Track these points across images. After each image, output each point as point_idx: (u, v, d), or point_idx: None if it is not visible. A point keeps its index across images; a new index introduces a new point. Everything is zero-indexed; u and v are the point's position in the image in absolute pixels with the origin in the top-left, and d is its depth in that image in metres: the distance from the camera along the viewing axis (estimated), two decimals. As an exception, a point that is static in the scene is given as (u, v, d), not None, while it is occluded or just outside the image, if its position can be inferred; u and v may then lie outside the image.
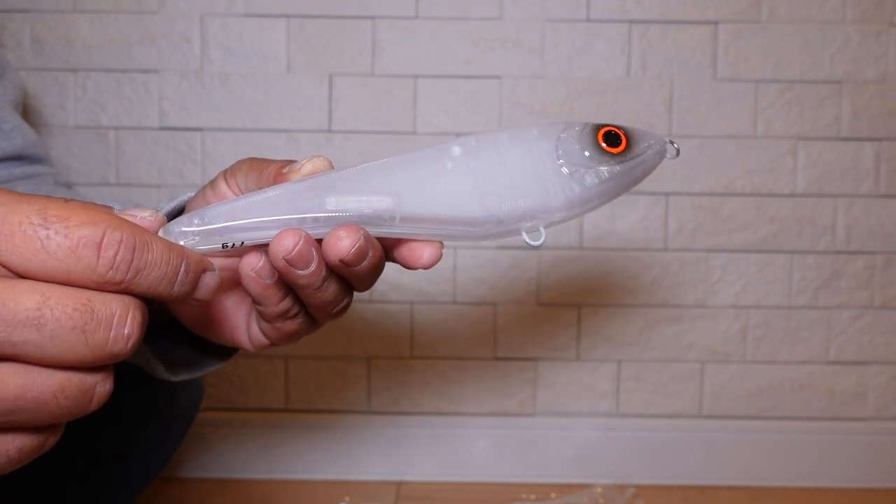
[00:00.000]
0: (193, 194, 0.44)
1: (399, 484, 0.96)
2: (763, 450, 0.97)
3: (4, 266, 0.27)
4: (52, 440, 0.31)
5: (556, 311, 0.96)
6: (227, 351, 0.50)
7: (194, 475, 0.97)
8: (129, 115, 0.93)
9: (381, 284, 0.94)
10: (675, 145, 0.42)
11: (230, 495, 0.93)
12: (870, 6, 0.93)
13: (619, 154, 0.40)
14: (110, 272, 0.28)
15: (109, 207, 0.32)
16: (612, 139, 0.40)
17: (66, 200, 0.30)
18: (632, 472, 0.97)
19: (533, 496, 0.93)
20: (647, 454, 0.97)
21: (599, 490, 0.93)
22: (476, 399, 0.97)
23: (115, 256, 0.28)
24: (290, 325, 0.42)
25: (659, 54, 0.93)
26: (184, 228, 0.35)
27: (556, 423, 0.97)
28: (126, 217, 0.31)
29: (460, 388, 0.97)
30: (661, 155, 0.42)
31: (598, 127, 0.41)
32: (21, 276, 0.28)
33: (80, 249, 0.28)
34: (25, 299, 0.27)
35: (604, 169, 0.40)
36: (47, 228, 0.27)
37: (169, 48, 0.92)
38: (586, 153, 0.40)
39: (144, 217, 0.32)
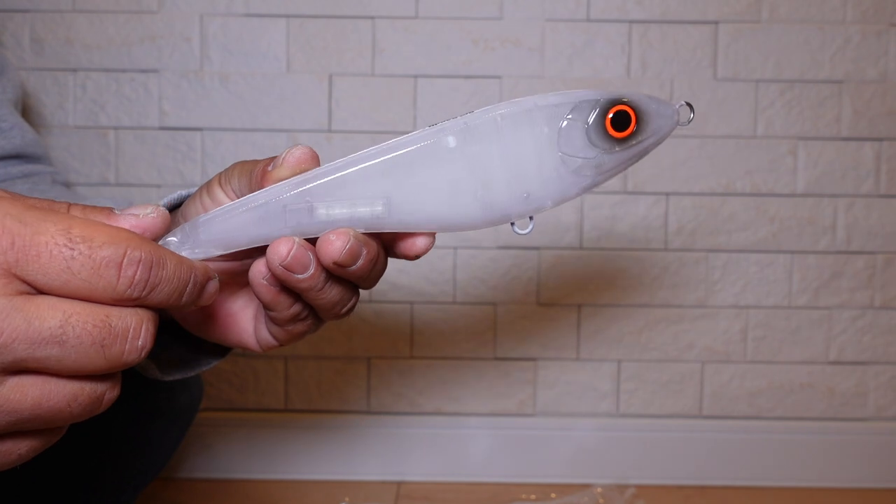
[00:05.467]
0: (187, 193, 0.44)
1: (399, 484, 0.96)
2: (763, 450, 0.97)
3: (29, 283, 0.28)
4: (56, 437, 0.32)
5: (556, 311, 0.96)
6: (222, 349, 0.50)
7: (194, 475, 0.97)
8: (129, 115, 0.93)
9: (381, 284, 0.94)
10: (692, 113, 0.40)
11: (230, 495, 0.93)
12: (870, 6, 0.93)
13: (625, 139, 0.38)
14: (129, 290, 0.30)
15: (110, 209, 0.32)
16: (621, 123, 0.38)
17: (70, 206, 0.32)
18: (632, 472, 0.96)
19: (533, 496, 0.93)
20: (647, 454, 0.97)
21: (599, 490, 0.93)
22: (476, 399, 0.97)
23: (134, 276, 0.30)
24: (300, 327, 0.42)
25: (659, 54, 0.93)
26: (181, 240, 0.36)
27: (556, 424, 0.97)
28: (129, 215, 0.33)
29: (460, 388, 0.97)
30: (672, 128, 0.39)
31: (608, 107, 0.38)
32: (42, 292, 0.29)
33: (102, 269, 0.29)
34: (49, 317, 0.28)
35: (605, 157, 0.38)
36: (72, 249, 0.28)
37: (169, 48, 0.92)
38: (590, 140, 0.38)
39: (147, 214, 0.33)
